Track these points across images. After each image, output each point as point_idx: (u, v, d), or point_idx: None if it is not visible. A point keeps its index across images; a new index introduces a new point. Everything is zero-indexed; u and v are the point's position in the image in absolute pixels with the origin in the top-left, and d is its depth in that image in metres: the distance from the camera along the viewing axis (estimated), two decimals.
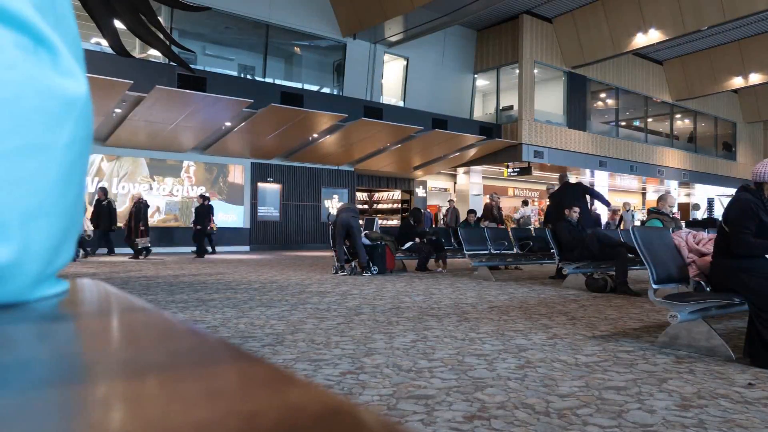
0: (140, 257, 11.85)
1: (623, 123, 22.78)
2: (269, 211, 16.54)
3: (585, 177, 22.71)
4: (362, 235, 8.80)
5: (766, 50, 20.42)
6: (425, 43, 17.80)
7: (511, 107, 19.07)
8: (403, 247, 9.29)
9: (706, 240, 4.12)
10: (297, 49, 16.94)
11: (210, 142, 14.83)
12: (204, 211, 12.63)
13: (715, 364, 3.09)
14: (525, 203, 16.11)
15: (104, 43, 8.94)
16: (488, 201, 12.06)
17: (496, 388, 2.56)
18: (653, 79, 23.17)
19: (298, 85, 16.17)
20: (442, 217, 17.55)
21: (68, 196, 0.42)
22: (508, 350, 3.36)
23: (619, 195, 26.66)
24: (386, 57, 17.84)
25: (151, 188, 14.57)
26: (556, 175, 22.84)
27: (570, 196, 8.00)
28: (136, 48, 12.78)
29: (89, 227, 11.71)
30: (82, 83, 0.42)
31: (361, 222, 10.18)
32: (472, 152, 18.51)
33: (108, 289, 0.53)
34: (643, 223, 10.22)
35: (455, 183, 21.96)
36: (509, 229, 9.87)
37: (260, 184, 16.35)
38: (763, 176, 3.37)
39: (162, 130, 13.33)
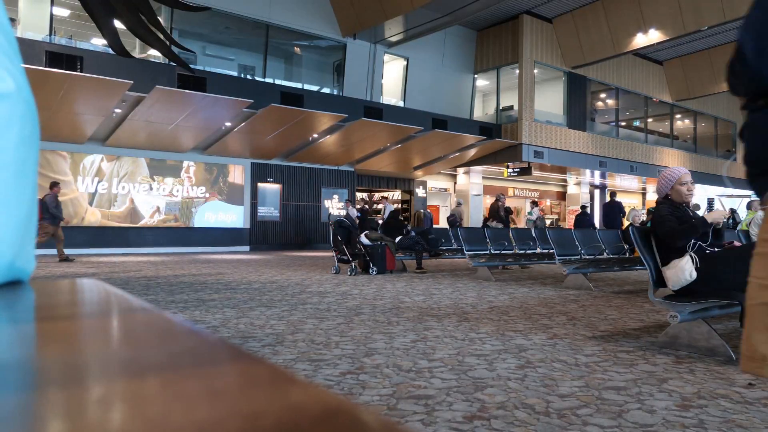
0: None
1: (623, 123, 22.78)
2: (269, 211, 16.54)
3: (585, 177, 22.72)
4: (362, 234, 8.81)
5: None
6: (425, 43, 17.80)
7: (511, 107, 19.07)
8: (395, 240, 9.26)
9: None
10: (297, 49, 16.94)
11: (210, 142, 14.83)
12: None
13: (715, 364, 3.09)
14: (534, 204, 16.14)
15: (104, 42, 8.93)
16: (494, 201, 12.06)
17: (496, 388, 2.56)
18: (653, 79, 23.18)
19: (298, 85, 16.18)
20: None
21: (25, 192, 0.44)
22: (508, 350, 3.36)
23: (618, 195, 26.65)
24: (386, 57, 17.84)
25: (151, 188, 14.57)
26: (556, 176, 23.02)
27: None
28: (136, 48, 12.79)
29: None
30: (8, 81, 0.42)
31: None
32: (472, 152, 18.51)
33: (108, 289, 0.53)
34: (643, 223, 10.22)
35: (455, 183, 21.97)
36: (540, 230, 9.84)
37: (260, 184, 16.35)
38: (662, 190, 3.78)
39: (162, 130, 13.33)
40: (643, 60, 22.54)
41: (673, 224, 3.50)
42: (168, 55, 6.34)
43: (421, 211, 19.29)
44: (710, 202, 22.97)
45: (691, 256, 3.38)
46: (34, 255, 0.52)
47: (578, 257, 7.43)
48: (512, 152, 18.34)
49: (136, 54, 12.70)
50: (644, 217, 12.04)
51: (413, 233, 9.59)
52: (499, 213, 11.63)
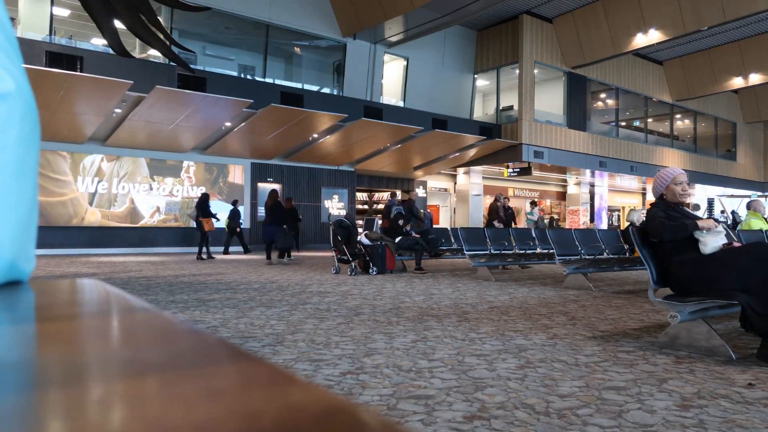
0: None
1: (623, 123, 22.78)
2: None
3: (585, 177, 22.72)
4: (362, 234, 8.81)
5: (766, 50, 20.42)
6: (425, 43, 17.80)
7: (511, 107, 19.07)
8: (396, 241, 9.25)
9: None
10: (297, 49, 16.95)
11: (210, 143, 14.83)
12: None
13: (715, 364, 3.09)
14: (533, 204, 16.13)
15: (104, 42, 8.93)
16: (494, 201, 12.04)
17: (496, 388, 2.56)
18: (653, 79, 23.18)
19: (298, 85, 16.17)
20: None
21: (25, 192, 0.44)
22: (508, 350, 3.36)
23: (619, 195, 26.68)
24: (386, 57, 17.84)
25: (151, 188, 14.57)
26: (556, 176, 23.03)
27: None
28: (136, 48, 12.79)
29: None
30: (7, 80, 0.42)
31: (360, 222, 10.18)
32: (472, 152, 18.51)
33: (108, 289, 0.53)
34: (643, 223, 10.21)
35: (455, 183, 21.97)
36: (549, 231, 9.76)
37: (260, 184, 16.35)
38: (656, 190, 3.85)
39: (162, 130, 13.33)
40: (643, 60, 22.54)
41: (662, 220, 3.55)
42: (168, 55, 6.34)
43: (422, 211, 19.29)
44: (710, 202, 22.98)
45: (722, 224, 3.45)
46: (34, 255, 0.52)
47: (578, 257, 7.43)
48: (512, 152, 18.35)
49: (136, 54, 12.70)
50: (644, 218, 11.99)
51: (413, 233, 9.59)
52: (499, 213, 11.63)
